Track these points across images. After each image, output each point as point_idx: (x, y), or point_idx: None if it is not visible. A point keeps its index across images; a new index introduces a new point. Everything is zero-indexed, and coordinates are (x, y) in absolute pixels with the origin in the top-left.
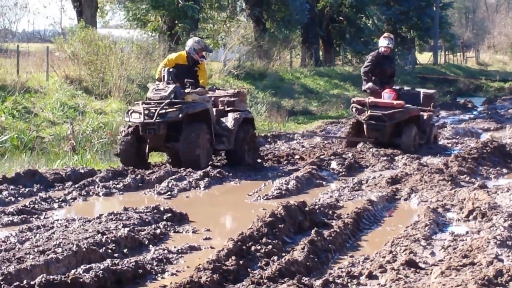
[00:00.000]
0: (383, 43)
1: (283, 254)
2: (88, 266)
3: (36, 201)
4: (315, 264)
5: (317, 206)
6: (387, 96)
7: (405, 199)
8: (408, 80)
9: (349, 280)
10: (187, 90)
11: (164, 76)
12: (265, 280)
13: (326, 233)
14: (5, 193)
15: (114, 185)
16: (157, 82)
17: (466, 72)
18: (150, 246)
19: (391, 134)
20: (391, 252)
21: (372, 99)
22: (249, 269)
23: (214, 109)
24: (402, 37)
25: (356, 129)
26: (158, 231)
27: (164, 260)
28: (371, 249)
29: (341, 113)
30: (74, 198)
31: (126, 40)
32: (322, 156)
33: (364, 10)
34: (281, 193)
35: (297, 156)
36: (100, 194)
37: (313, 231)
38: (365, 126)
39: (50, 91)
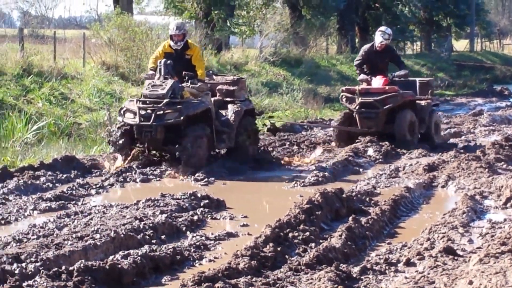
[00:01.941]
0: (377, 39)
1: (321, 241)
2: (126, 252)
3: (74, 187)
4: (353, 251)
5: (354, 193)
6: (377, 83)
7: (442, 186)
8: (444, 67)
9: (386, 267)
10: (185, 85)
11: (160, 69)
12: (303, 267)
13: (363, 220)
14: (42, 179)
15: (151, 171)
16: (150, 72)
17: (503, 59)
18: (188, 232)
19: (386, 123)
20: (428, 239)
21: (362, 86)
22: (286, 256)
23: (212, 99)
24: (438, 24)
25: (347, 122)
26: (195, 217)
27: (202, 246)
28: (408, 236)
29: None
30: (112, 184)
31: (162, 27)
32: (359, 143)
33: None
34: (318, 180)
35: (333, 143)
36: (137, 180)
37: (350, 218)
38: (357, 116)
39: (86, 77)
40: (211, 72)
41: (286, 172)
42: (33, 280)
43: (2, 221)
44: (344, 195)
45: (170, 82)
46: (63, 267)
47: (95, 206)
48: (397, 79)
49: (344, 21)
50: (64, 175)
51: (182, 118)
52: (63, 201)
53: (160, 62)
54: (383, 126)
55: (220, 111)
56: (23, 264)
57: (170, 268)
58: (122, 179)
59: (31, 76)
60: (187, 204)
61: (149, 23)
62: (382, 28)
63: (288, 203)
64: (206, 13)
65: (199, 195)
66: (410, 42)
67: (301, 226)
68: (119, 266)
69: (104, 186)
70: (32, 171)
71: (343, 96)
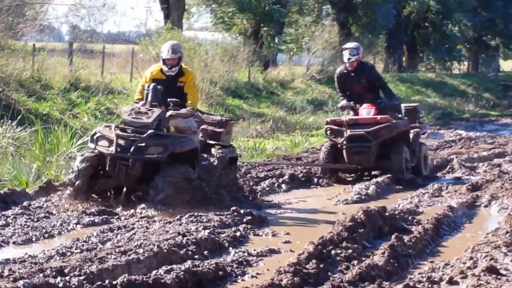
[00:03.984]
0: (345, 57)
1: (363, 258)
2: (169, 267)
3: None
4: (395, 269)
5: (397, 212)
6: (365, 112)
7: (485, 206)
8: (490, 87)
9: (429, 286)
10: (169, 113)
11: (147, 94)
12: (346, 284)
13: (406, 238)
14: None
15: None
16: (135, 106)
17: None
18: (230, 248)
19: (376, 157)
20: (471, 258)
21: (350, 116)
22: (329, 273)
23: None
24: (486, 44)
25: (333, 156)
26: (238, 233)
27: (244, 262)
28: (451, 255)
29: (422, 119)
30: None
31: (211, 43)
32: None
33: (450, 16)
34: (360, 198)
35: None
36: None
37: (393, 236)
38: (345, 151)
39: (133, 92)
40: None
41: (328, 190)
42: None
43: (46, 234)
44: (387, 213)
45: (157, 111)
46: (107, 281)
47: (138, 221)
48: (382, 105)
49: (392, 40)
50: None
51: (166, 154)
52: (106, 216)
53: (148, 86)
54: (375, 162)
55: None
56: (67, 278)
57: (212, 284)
58: None
59: (78, 90)
60: (229, 220)
61: (198, 38)
62: (348, 44)
63: (331, 220)
64: (255, 30)
65: (242, 211)
66: (458, 61)
67: (344, 244)
68: (162, 280)
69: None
70: None
71: (328, 129)
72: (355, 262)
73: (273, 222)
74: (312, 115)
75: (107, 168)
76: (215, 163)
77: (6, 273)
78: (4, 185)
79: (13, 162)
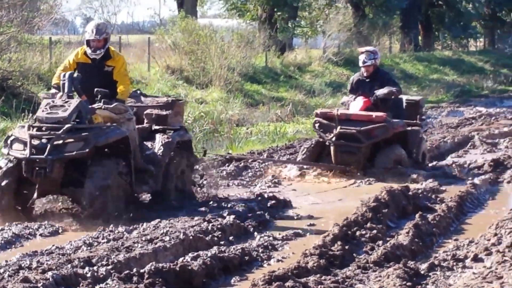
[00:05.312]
0: (360, 61)
1: (388, 238)
2: (195, 253)
3: None
4: (420, 248)
5: (420, 190)
6: (355, 105)
7: (508, 182)
8: (508, 63)
9: (454, 263)
10: (96, 105)
11: (63, 84)
12: (371, 265)
13: (430, 217)
14: None
15: (217, 173)
16: (52, 91)
17: None
18: (255, 233)
19: (367, 159)
20: (495, 234)
21: (342, 110)
22: (354, 254)
23: (136, 127)
24: (501, 20)
25: (317, 152)
26: (262, 218)
27: (270, 246)
28: (475, 232)
29: (441, 97)
30: None
31: (227, 29)
32: None
33: None
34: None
35: None
36: (203, 182)
37: (417, 215)
38: (332, 148)
39: (151, 81)
40: (138, 92)
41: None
42: (105, 283)
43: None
44: (410, 193)
45: (75, 101)
46: (134, 270)
47: (163, 210)
48: (379, 97)
49: (407, 20)
50: None
51: (87, 149)
52: (131, 205)
53: (64, 76)
54: (364, 163)
55: (145, 142)
56: (95, 268)
57: (239, 269)
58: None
59: None
60: (254, 205)
61: (212, 26)
62: (362, 49)
63: (354, 201)
64: (269, 15)
65: (266, 196)
66: (473, 39)
67: (368, 224)
68: (189, 267)
69: None
70: None
71: (317, 122)
72: (380, 242)
73: (297, 206)
74: (331, 98)
75: (24, 174)
76: (160, 151)
77: (34, 265)
78: None
79: None
